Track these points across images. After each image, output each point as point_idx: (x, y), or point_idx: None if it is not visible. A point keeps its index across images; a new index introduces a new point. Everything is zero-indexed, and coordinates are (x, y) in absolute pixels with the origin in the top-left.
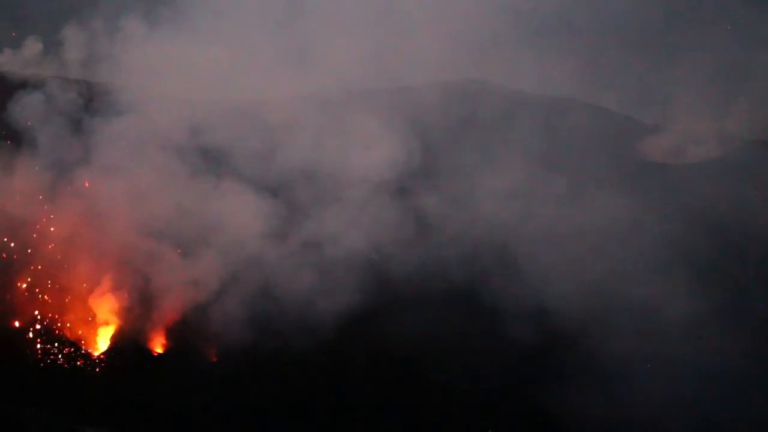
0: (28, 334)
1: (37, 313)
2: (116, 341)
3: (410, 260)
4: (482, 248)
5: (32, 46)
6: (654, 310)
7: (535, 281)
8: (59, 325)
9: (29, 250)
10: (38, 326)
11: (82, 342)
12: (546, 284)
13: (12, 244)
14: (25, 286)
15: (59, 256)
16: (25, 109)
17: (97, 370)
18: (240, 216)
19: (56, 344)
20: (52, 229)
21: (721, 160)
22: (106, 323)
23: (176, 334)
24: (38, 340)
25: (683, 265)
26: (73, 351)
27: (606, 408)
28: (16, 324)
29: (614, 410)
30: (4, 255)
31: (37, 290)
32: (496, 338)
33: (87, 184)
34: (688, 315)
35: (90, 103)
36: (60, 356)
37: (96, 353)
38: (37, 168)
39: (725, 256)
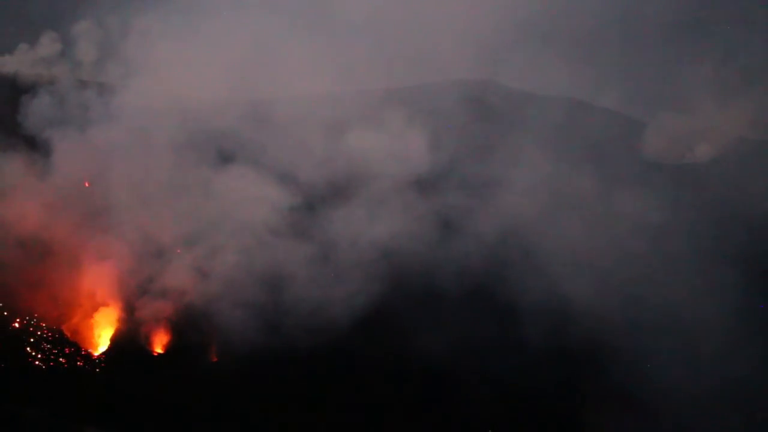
0: (28, 334)
1: (37, 313)
2: (116, 341)
3: (426, 258)
4: (501, 247)
5: (49, 46)
6: (678, 309)
7: (550, 279)
8: (60, 325)
9: (31, 250)
10: (38, 326)
11: (82, 342)
12: (559, 284)
13: (15, 244)
14: (26, 285)
15: (62, 256)
16: (36, 109)
17: (97, 370)
18: (249, 211)
19: (56, 344)
20: (55, 229)
21: (729, 160)
22: (107, 323)
23: (176, 333)
24: (37, 340)
25: (706, 263)
26: (73, 351)
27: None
28: (16, 324)
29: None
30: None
31: (38, 290)
32: (512, 338)
33: (87, 185)
34: (713, 314)
35: (99, 103)
36: (60, 356)
37: (96, 353)
38: (43, 168)
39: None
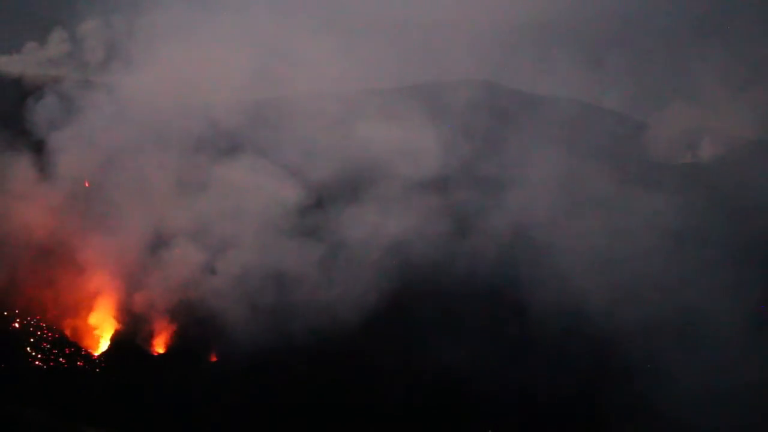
0: (28, 334)
1: (37, 313)
2: (116, 341)
3: (436, 257)
4: (512, 247)
5: (57, 45)
6: (692, 310)
7: (563, 280)
8: (60, 325)
9: (33, 250)
10: (38, 326)
11: (82, 342)
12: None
13: (17, 244)
14: (26, 285)
15: (63, 256)
16: (44, 110)
17: (97, 370)
18: (254, 208)
19: (56, 344)
20: (57, 229)
21: (737, 159)
22: (107, 323)
23: (177, 333)
24: (37, 340)
25: (719, 262)
26: (73, 351)
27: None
28: (16, 324)
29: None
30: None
31: (38, 290)
32: (523, 339)
33: (87, 185)
34: (727, 316)
35: (106, 101)
36: (60, 356)
37: (96, 353)
38: (44, 169)
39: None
